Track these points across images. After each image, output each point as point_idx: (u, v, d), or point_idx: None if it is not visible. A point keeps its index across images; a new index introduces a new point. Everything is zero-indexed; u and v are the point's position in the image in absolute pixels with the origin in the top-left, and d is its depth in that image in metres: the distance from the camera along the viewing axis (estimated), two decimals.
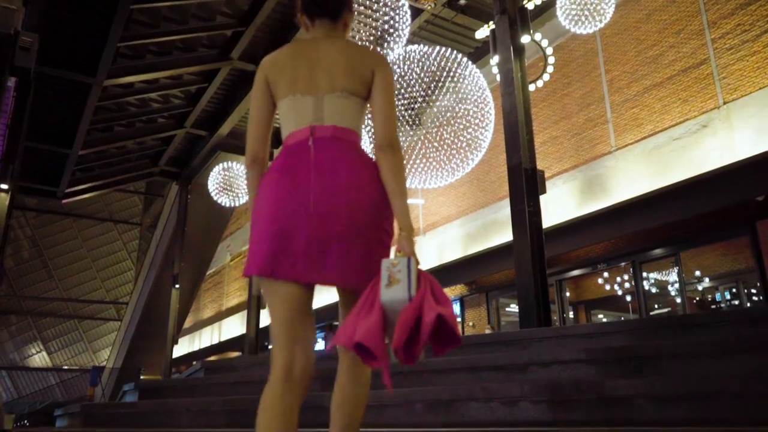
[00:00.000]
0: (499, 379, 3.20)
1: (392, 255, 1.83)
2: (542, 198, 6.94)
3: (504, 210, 14.06)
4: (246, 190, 11.19)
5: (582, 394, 2.64)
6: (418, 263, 1.73)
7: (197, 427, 2.94)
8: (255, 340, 13.69)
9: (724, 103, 10.10)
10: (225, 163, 13.09)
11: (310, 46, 1.94)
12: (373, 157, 1.93)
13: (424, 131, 10.79)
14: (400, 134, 10.81)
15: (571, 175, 12.67)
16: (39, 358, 46.57)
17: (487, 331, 12.17)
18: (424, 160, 11.09)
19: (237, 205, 13.32)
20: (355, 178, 1.80)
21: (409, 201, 1.98)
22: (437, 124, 10.41)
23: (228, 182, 12.76)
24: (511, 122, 7.03)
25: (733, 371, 2.66)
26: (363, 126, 1.99)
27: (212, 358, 30.62)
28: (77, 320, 48.18)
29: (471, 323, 16.05)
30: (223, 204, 12.97)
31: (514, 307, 17.08)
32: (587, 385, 2.64)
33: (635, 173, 11.19)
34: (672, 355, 3.00)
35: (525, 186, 6.72)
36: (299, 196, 1.76)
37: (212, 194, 12.75)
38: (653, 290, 13.92)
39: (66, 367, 46.91)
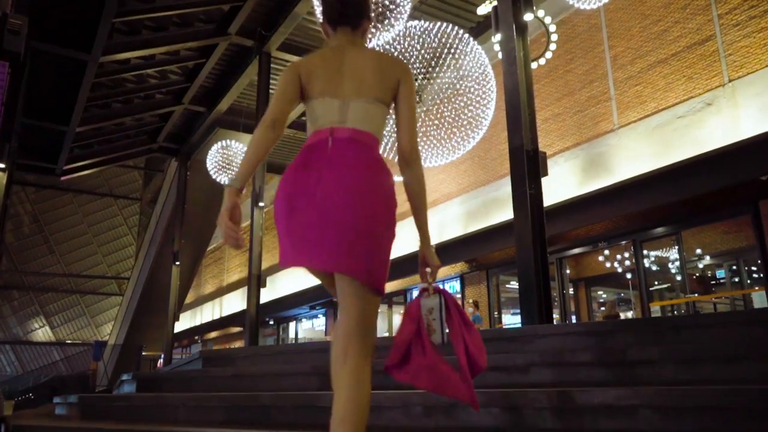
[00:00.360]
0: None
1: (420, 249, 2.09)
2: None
3: (505, 188, 13.97)
4: None
5: (586, 402, 2.60)
6: (439, 267, 2.04)
7: (195, 422, 2.92)
8: (255, 316, 13.71)
9: (730, 81, 9.94)
10: (223, 142, 12.98)
11: (338, 53, 2.07)
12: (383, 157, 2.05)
13: (424, 108, 10.67)
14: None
15: (573, 153, 12.55)
16: (42, 332, 46.93)
17: (469, 310, 12.25)
18: (425, 138, 10.99)
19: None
20: (368, 177, 1.88)
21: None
22: (438, 101, 10.28)
23: (227, 161, 12.64)
24: (513, 103, 6.91)
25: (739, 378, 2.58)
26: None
27: (213, 334, 30.87)
28: (79, 295, 48.42)
29: (471, 300, 16.06)
30: (222, 183, 12.86)
31: (514, 284, 17.08)
32: (589, 396, 2.59)
33: (638, 152, 11.08)
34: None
35: (527, 168, 6.63)
36: (313, 190, 1.86)
37: (211, 173, 12.65)
38: (653, 268, 13.92)
39: (69, 342, 47.30)
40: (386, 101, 2.03)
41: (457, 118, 10.62)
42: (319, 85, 2.01)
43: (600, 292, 18.48)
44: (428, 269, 2.01)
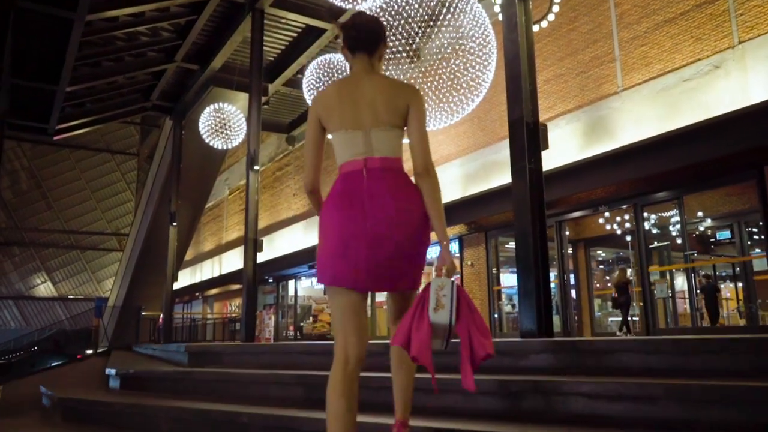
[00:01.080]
0: None
1: (433, 256, 2.27)
2: None
3: (504, 151, 13.65)
4: (240, 133, 10.85)
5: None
6: (456, 269, 2.18)
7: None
8: (253, 279, 13.65)
9: (739, 43, 9.56)
10: (216, 104, 12.63)
11: (353, 85, 2.29)
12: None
13: (423, 66, 10.35)
14: (398, 70, 10.41)
15: (575, 116, 12.23)
16: (44, 288, 47.29)
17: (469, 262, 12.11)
18: (425, 98, 10.58)
19: (230, 147, 12.95)
20: (402, 202, 2.18)
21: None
22: (436, 60, 9.95)
23: (220, 124, 12.33)
24: (514, 72, 6.60)
25: None
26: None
27: (214, 291, 31.03)
28: (79, 251, 48.57)
29: (470, 262, 16.00)
30: (215, 147, 12.60)
31: (513, 244, 16.98)
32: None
33: (642, 115, 10.77)
34: None
35: (526, 141, 6.38)
36: (359, 221, 2.12)
37: (203, 137, 12.35)
38: (654, 231, 13.80)
39: (71, 297, 47.73)
40: (400, 126, 2.28)
41: (455, 80, 10.31)
42: (338, 119, 2.25)
43: (600, 252, 18.43)
44: (444, 268, 2.20)
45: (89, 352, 32.67)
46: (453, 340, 2.16)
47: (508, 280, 16.88)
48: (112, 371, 3.98)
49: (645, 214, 12.54)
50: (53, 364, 30.63)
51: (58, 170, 48.25)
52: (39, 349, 38.73)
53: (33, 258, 46.91)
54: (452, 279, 2.15)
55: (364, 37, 2.34)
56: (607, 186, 12.08)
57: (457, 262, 16.50)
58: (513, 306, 16.56)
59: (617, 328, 13.93)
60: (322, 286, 23.04)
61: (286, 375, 3.16)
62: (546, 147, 6.55)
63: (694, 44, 10.24)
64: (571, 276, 15.58)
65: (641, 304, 12.94)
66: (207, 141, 12.51)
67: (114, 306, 25.77)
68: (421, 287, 2.26)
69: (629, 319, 13.49)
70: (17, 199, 46.56)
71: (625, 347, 3.02)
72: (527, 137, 6.43)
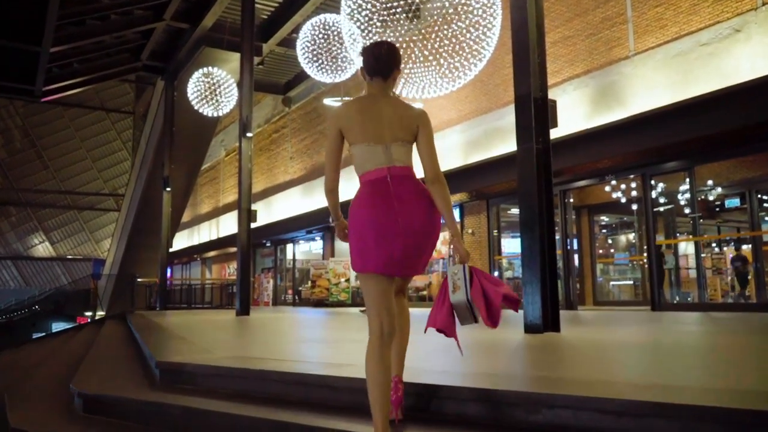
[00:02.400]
0: None
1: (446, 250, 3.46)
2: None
3: (508, 117, 13.09)
4: (232, 99, 10.35)
5: None
6: (468, 256, 2.55)
7: None
8: (247, 248, 13.28)
9: (763, 4, 8.90)
10: (205, 69, 11.99)
11: (372, 104, 2.62)
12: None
13: (423, 26, 9.78)
14: (396, 32, 9.88)
15: (583, 81, 11.61)
16: (42, 248, 47.10)
17: (469, 230, 11.68)
18: (425, 64, 10.09)
19: (220, 114, 12.38)
20: (421, 204, 2.53)
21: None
22: (437, 20, 9.36)
23: (210, 89, 11.72)
24: (521, 43, 6.03)
25: None
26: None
27: (212, 253, 30.74)
28: (77, 211, 48.19)
29: (470, 230, 15.58)
30: (205, 114, 12.02)
31: (515, 211, 16.56)
32: None
33: (655, 82, 10.17)
34: None
35: (534, 119, 5.87)
36: (392, 218, 2.47)
37: (192, 103, 11.75)
38: (661, 200, 13.32)
39: (70, 257, 47.61)
40: (412, 142, 2.65)
41: (457, 42, 9.74)
42: (360, 133, 2.59)
43: (603, 217, 18.01)
44: (457, 257, 2.56)
45: (88, 314, 32.81)
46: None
47: (510, 245, 16.50)
48: (75, 388, 3.59)
49: (652, 182, 12.05)
50: (54, 330, 30.73)
51: (52, 129, 47.43)
52: (40, 309, 38.86)
53: (30, 218, 46.57)
54: (464, 264, 2.52)
55: (383, 66, 2.67)
56: (615, 156, 11.57)
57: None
58: (514, 272, 16.22)
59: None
60: (320, 250, 22.84)
61: (262, 412, 2.77)
62: (555, 125, 6.04)
63: (713, 5, 9.57)
64: (575, 242, 15.19)
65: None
66: (196, 107, 11.90)
67: (110, 274, 25.49)
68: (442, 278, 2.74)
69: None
70: (11, 158, 45.92)
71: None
72: (535, 114, 5.91)
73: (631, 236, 18.22)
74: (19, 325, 35.71)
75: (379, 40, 3.31)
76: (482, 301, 2.52)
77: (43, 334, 31.50)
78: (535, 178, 5.79)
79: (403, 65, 10.63)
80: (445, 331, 2.58)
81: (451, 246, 2.90)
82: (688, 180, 13.27)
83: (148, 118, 23.91)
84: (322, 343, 5.30)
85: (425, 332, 2.63)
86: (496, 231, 15.32)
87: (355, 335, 6.06)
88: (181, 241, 34.11)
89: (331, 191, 2.74)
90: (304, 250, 25.55)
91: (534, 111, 5.89)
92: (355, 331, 7.05)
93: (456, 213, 16.00)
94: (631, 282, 17.51)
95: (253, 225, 13.47)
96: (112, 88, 48.40)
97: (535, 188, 5.79)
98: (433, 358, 3.76)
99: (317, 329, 7.71)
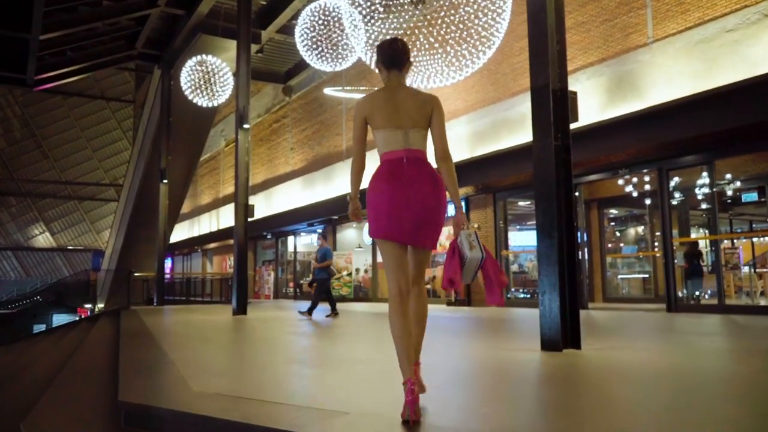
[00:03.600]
0: None
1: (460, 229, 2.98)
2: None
3: (517, 107, 12.52)
4: (227, 89, 9.93)
5: None
6: (469, 225, 2.96)
7: None
8: (244, 244, 12.74)
9: None
10: (199, 56, 11.39)
11: (393, 95, 2.99)
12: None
13: (428, 11, 9.28)
14: (400, 17, 9.44)
15: (597, 70, 10.99)
16: (43, 238, 46.72)
17: (317, 242, 11.49)
18: (430, 51, 9.57)
19: (215, 104, 11.80)
20: (432, 183, 2.88)
21: None
22: (443, 4, 8.84)
23: (205, 78, 11.14)
24: (539, 29, 5.43)
25: None
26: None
27: (213, 245, 30.25)
28: (77, 201, 47.75)
29: (476, 225, 15.01)
30: (199, 104, 11.44)
31: (522, 204, 15.99)
32: None
33: (675, 71, 9.55)
34: None
35: (553, 113, 5.29)
36: (404, 193, 2.83)
37: (185, 93, 11.17)
38: (677, 194, 12.73)
39: (71, 248, 47.22)
40: (427, 128, 3.00)
41: (465, 29, 9.19)
42: (382, 120, 2.94)
43: (612, 210, 17.44)
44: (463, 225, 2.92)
45: (88, 306, 32.46)
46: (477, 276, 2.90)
47: (516, 238, 15.97)
48: None
49: (669, 174, 11.44)
50: (55, 323, 30.39)
51: (51, 118, 46.89)
52: (42, 299, 38.57)
53: (30, 208, 46.15)
54: (474, 230, 2.89)
55: (399, 58, 3.01)
56: (631, 149, 10.98)
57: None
58: (519, 266, 15.68)
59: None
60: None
61: None
62: (576, 119, 5.46)
63: None
64: (585, 235, 14.63)
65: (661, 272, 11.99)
66: (189, 97, 11.32)
67: (108, 269, 25.05)
68: (449, 240, 3.00)
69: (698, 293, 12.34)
70: (11, 148, 45.43)
71: None
72: (554, 108, 5.33)
73: (643, 231, 17.66)
74: (19, 316, 35.45)
75: (391, 37, 3.69)
76: (490, 273, 2.90)
77: (44, 326, 31.36)
78: (553, 178, 5.22)
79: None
80: (454, 280, 2.86)
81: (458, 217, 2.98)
82: (704, 174, 12.72)
83: (146, 107, 23.34)
84: (322, 365, 4.77)
85: (443, 288, 3.22)
86: (502, 224, 14.75)
87: (359, 349, 5.54)
88: (182, 232, 33.64)
89: (358, 172, 3.05)
90: (306, 242, 25.05)
91: (553, 104, 5.30)
92: (357, 340, 6.52)
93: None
94: (642, 277, 16.98)
95: (251, 219, 12.94)
96: (112, 77, 47.80)
97: (554, 189, 5.22)
98: (443, 393, 3.22)
99: (317, 338, 7.19)
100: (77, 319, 23.67)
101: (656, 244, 15.84)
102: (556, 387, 3.57)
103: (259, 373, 4.11)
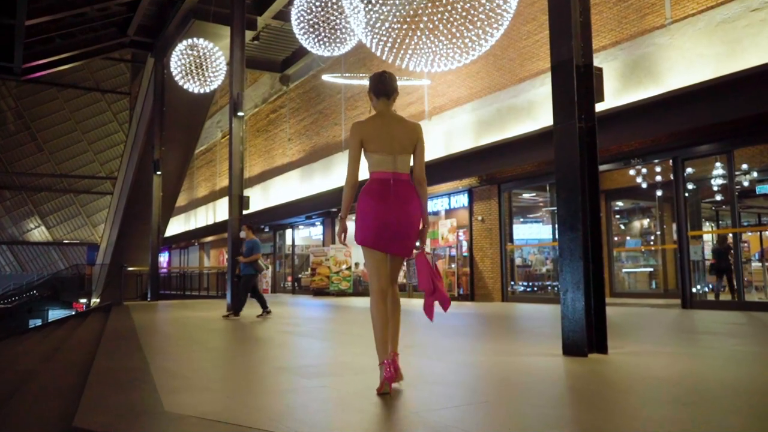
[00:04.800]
0: None
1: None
2: None
3: (524, 94, 11.97)
4: (220, 74, 9.33)
5: None
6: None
7: None
8: (238, 228, 12.19)
9: None
10: (190, 40, 10.80)
11: (386, 123, 3.44)
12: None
13: None
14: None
15: (611, 54, 10.43)
16: (38, 232, 46.12)
17: (242, 234, 10.38)
18: (434, 33, 9.04)
19: (207, 90, 11.24)
20: (412, 203, 3.37)
21: (414, 82, 7.60)
22: None
23: (196, 63, 10.57)
24: None
25: None
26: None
27: (210, 238, 29.72)
28: (73, 194, 47.13)
29: (480, 217, 14.49)
30: (190, 90, 10.87)
31: (527, 195, 15.46)
32: None
33: (696, 54, 9.00)
34: None
35: (576, 91, 4.74)
36: (390, 210, 3.30)
37: (176, 79, 10.60)
38: (689, 186, 12.20)
39: (66, 241, 46.64)
40: (411, 153, 3.47)
41: (470, 10, 8.67)
42: (375, 145, 3.38)
43: (619, 203, 16.94)
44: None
45: (83, 301, 31.96)
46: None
47: (521, 232, 15.45)
48: None
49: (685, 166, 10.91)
50: (50, 318, 29.90)
51: (46, 110, 46.21)
52: (38, 293, 38.07)
53: (25, 202, 45.53)
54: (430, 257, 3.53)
55: (387, 89, 3.50)
56: (645, 138, 10.44)
57: (466, 216, 15.02)
58: (523, 259, 15.16)
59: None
60: (320, 236, 21.75)
61: None
62: (601, 98, 4.91)
63: None
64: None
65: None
66: (180, 83, 10.75)
67: (102, 264, 24.51)
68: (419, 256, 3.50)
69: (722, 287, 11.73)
70: (5, 140, 44.76)
71: None
72: (578, 85, 4.78)
73: (650, 223, 17.15)
74: (15, 311, 34.96)
75: (381, 71, 3.69)
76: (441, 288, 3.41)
77: (39, 321, 30.87)
78: (577, 164, 4.68)
79: (409, 38, 9.59)
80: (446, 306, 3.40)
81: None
82: (718, 164, 12.17)
83: (139, 97, 22.76)
84: (319, 374, 4.24)
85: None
86: (508, 225, 14.20)
87: (360, 354, 5.02)
88: (178, 225, 33.10)
89: (352, 187, 3.41)
90: (304, 235, 24.52)
91: (576, 81, 4.76)
92: (357, 343, 5.99)
93: (464, 198, 14.90)
94: (649, 271, 16.48)
95: (245, 211, 12.41)
96: (108, 69, 47.11)
97: (578, 177, 4.68)
98: (450, 417, 2.69)
99: (314, 340, 6.67)
100: (70, 314, 23.14)
101: (672, 237, 15.36)
102: (590, 405, 3.04)
103: (246, 386, 3.58)
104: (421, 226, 3.44)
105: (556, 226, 14.29)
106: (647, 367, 4.08)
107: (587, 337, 4.58)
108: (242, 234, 10.23)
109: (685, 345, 5.35)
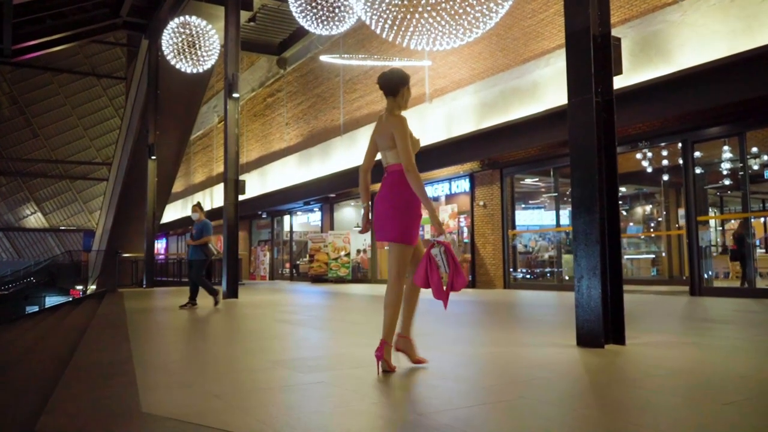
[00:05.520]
0: None
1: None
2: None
3: (529, 75, 11.58)
4: (214, 53, 8.91)
5: None
6: (444, 233, 3.47)
7: None
8: (234, 223, 11.87)
9: None
10: (182, 17, 10.39)
11: (381, 123, 3.67)
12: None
13: None
14: None
15: (620, 32, 10.01)
16: (34, 219, 45.72)
17: (195, 215, 9.40)
18: (436, 9, 8.68)
19: (200, 70, 10.85)
20: (388, 191, 3.53)
21: (415, 63, 6.96)
22: None
23: (188, 42, 10.17)
24: None
25: None
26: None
27: None
28: (69, 180, 46.68)
29: (482, 202, 14.16)
30: (182, 70, 10.48)
31: (529, 181, 15.13)
32: None
33: (709, 31, 8.62)
34: None
35: (593, 63, 4.40)
36: (376, 202, 3.63)
37: (167, 58, 10.21)
38: (697, 170, 11.87)
39: (63, 228, 46.27)
40: (394, 147, 3.59)
41: None
42: (379, 143, 3.66)
43: (621, 188, 16.60)
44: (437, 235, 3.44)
45: (79, 287, 31.68)
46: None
47: (523, 218, 15.16)
48: None
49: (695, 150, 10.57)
50: (47, 305, 29.63)
51: (41, 95, 45.64)
52: (35, 280, 37.79)
53: (21, 188, 45.09)
54: (440, 248, 3.41)
55: (387, 88, 3.68)
56: (653, 120, 10.09)
57: (467, 201, 14.69)
58: (525, 246, 14.86)
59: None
60: (318, 222, 21.43)
61: None
62: (619, 71, 4.56)
63: None
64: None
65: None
66: (172, 62, 10.36)
67: (98, 250, 24.19)
68: (426, 248, 3.49)
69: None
70: None
71: None
72: (595, 57, 4.43)
73: (653, 209, 16.86)
74: (12, 298, 34.69)
75: (388, 69, 3.77)
76: (449, 282, 3.41)
77: (36, 308, 30.62)
78: (594, 140, 4.34)
79: (410, 15, 9.21)
80: (441, 298, 3.39)
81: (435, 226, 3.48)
82: (726, 147, 11.85)
83: (133, 81, 22.31)
84: (316, 368, 3.94)
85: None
86: (510, 210, 13.87)
87: (359, 345, 4.71)
88: (176, 211, 32.74)
89: (366, 170, 3.74)
90: (302, 221, 24.19)
91: (593, 52, 4.41)
92: (356, 332, 5.68)
93: (466, 183, 14.57)
94: (651, 257, 16.21)
95: (242, 197, 12.07)
96: (104, 53, 46.50)
97: (594, 155, 4.35)
98: (460, 417, 2.38)
99: (311, 329, 6.36)
100: (64, 301, 22.86)
101: (677, 223, 15.05)
102: (618, 406, 2.72)
103: (236, 382, 3.27)
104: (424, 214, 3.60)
105: (570, 209, 13.94)
106: (671, 359, 3.77)
107: (603, 327, 4.27)
108: (194, 216, 9.44)
109: (704, 335, 5.04)
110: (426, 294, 3.52)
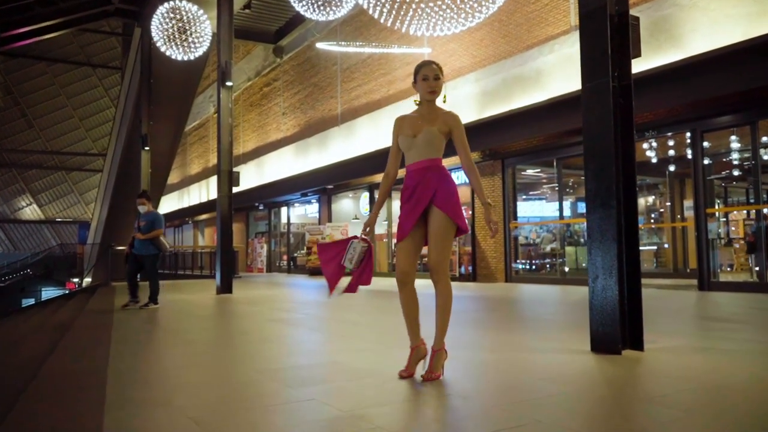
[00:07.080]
0: None
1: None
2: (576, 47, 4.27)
3: (532, 62, 11.21)
4: (206, 40, 8.42)
5: None
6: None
7: None
8: (228, 215, 11.51)
9: None
10: (173, 2, 9.98)
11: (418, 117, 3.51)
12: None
13: None
14: None
15: None
16: (30, 210, 45.31)
17: (143, 208, 8.45)
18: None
19: (192, 58, 10.45)
20: None
21: (414, 50, 6.78)
22: None
23: (180, 29, 9.77)
24: None
25: None
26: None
27: (204, 216, 29.02)
28: (65, 172, 46.23)
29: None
30: (172, 57, 10.09)
31: (531, 172, 14.79)
32: None
33: (722, 14, 8.25)
34: None
35: (610, 44, 4.05)
36: None
37: (157, 45, 9.82)
38: (706, 161, 11.52)
39: (59, 219, 45.88)
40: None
41: None
42: (408, 141, 3.45)
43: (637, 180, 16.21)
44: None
45: (75, 280, 31.36)
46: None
47: (525, 209, 14.84)
48: None
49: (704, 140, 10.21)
50: (44, 298, 29.32)
51: (36, 85, 45.10)
52: (31, 272, 37.47)
53: (15, 179, 44.65)
54: (366, 245, 3.45)
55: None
56: (661, 109, 9.73)
57: (468, 192, 14.33)
58: (526, 237, 14.53)
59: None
60: (316, 214, 21.08)
61: None
62: (638, 54, 4.21)
63: None
64: None
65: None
66: (162, 50, 9.97)
67: (93, 243, 23.82)
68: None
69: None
70: None
71: None
72: (612, 37, 4.07)
73: (661, 200, 16.54)
74: (8, 290, 34.38)
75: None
76: (357, 274, 3.51)
77: (33, 301, 30.30)
78: (611, 128, 4.00)
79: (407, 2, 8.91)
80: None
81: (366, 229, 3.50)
82: (733, 137, 11.48)
83: (127, 70, 21.88)
84: (312, 380, 3.61)
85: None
86: (512, 202, 13.52)
87: (361, 350, 4.38)
88: (171, 203, 32.36)
89: (388, 175, 3.55)
90: (299, 213, 23.85)
91: (610, 32, 4.05)
92: (357, 334, 5.35)
93: (464, 174, 14.18)
94: (653, 249, 15.91)
95: (239, 188, 11.71)
96: (99, 43, 45.93)
97: (611, 144, 4.00)
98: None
99: (306, 330, 6.03)
100: (57, 295, 22.53)
101: (682, 214, 14.73)
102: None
103: (219, 398, 2.93)
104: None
105: (571, 201, 13.47)
106: (695, 370, 3.44)
107: (621, 331, 3.94)
108: (142, 208, 8.40)
109: (725, 339, 4.71)
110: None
